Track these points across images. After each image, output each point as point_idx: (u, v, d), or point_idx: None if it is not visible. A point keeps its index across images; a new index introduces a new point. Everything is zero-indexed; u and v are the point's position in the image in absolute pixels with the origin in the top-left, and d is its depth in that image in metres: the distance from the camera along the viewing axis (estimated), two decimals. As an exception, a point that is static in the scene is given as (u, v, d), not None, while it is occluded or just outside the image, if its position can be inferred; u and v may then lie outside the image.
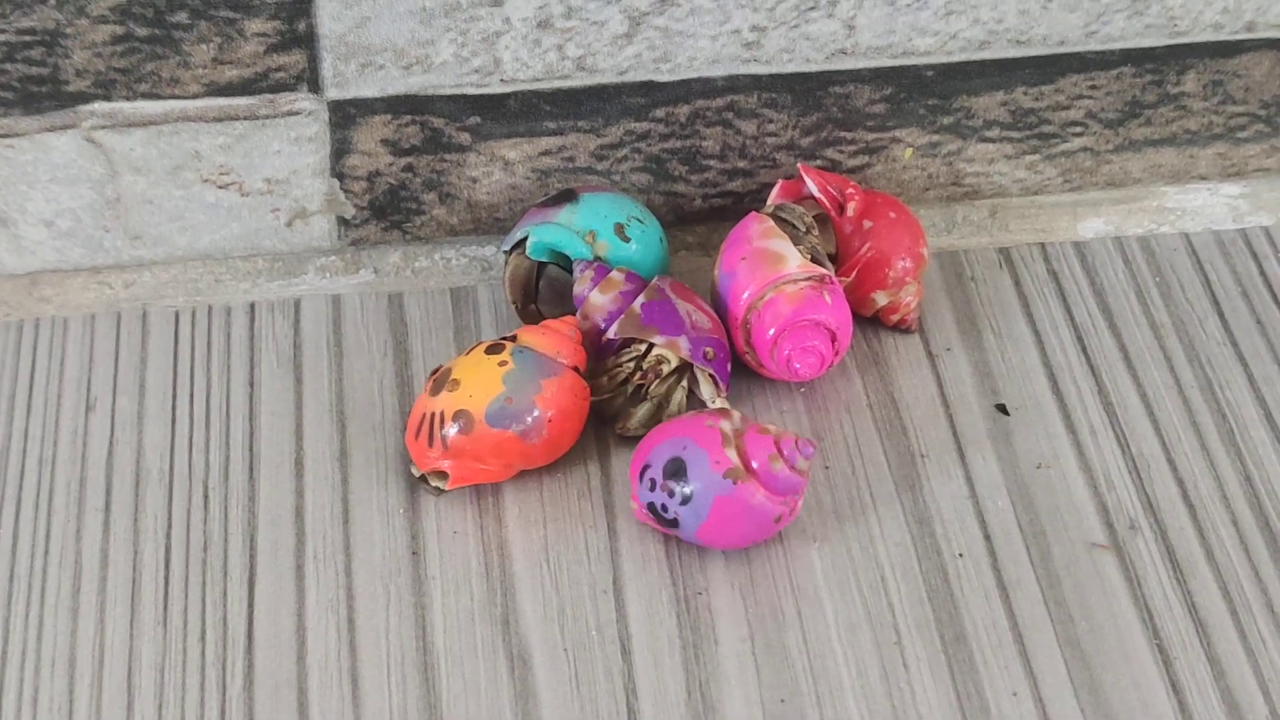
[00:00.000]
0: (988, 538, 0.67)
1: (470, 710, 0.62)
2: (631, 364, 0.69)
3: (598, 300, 0.70)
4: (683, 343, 0.69)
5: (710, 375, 0.70)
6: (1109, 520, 0.68)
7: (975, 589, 0.66)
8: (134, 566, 0.66)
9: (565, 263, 0.73)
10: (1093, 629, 0.64)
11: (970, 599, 0.65)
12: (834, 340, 0.69)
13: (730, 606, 0.65)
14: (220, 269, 0.76)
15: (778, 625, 0.65)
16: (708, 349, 0.69)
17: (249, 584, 0.66)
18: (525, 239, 0.73)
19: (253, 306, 0.75)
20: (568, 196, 0.73)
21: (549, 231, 0.72)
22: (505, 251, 0.73)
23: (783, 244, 0.70)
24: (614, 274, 0.70)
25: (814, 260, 0.70)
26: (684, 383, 0.70)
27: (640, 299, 0.70)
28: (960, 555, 0.67)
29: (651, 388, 0.69)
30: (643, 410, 0.69)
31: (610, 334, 0.69)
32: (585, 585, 0.66)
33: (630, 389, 0.70)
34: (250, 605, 0.65)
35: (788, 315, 0.69)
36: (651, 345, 0.69)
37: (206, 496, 0.68)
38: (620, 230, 0.72)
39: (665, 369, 0.69)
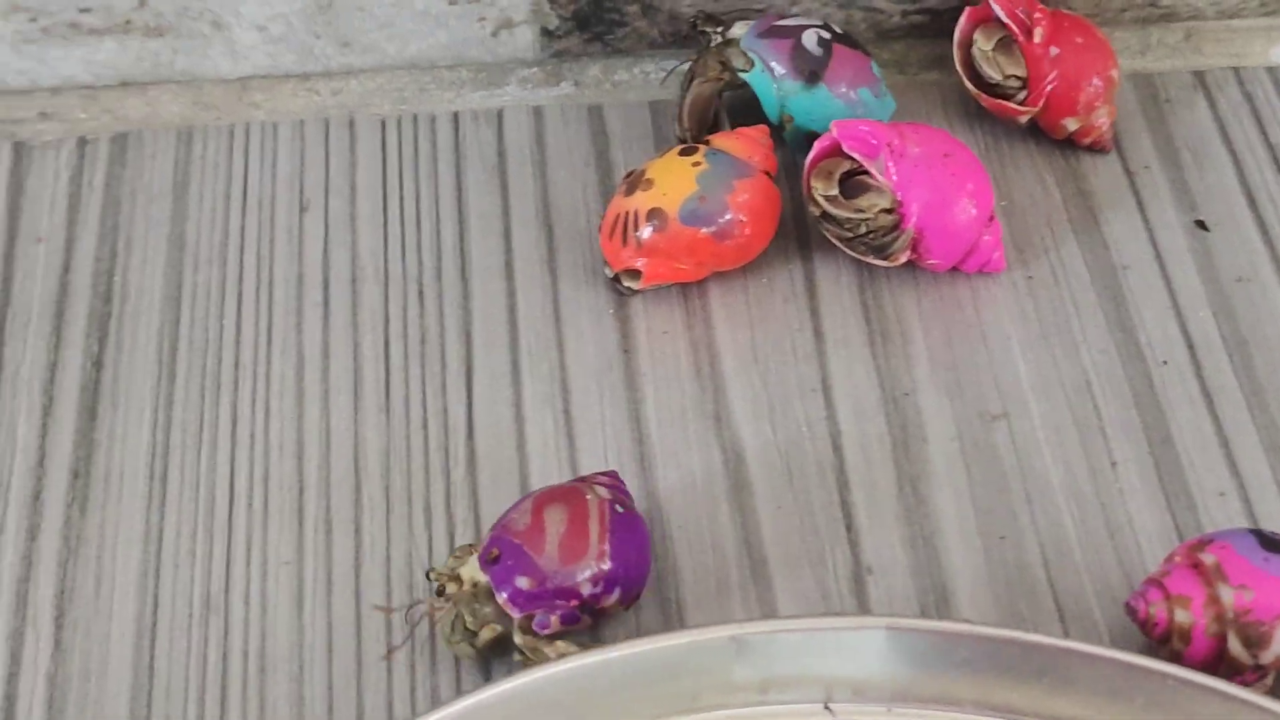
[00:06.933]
0: (1190, 347, 0.68)
1: (688, 498, 0.64)
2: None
3: None
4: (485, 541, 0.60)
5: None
6: (1311, 332, 0.69)
7: (1180, 395, 0.67)
8: (354, 358, 0.68)
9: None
10: (1297, 436, 0.65)
11: (1175, 405, 0.66)
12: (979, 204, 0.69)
13: (937, 407, 0.66)
14: (425, 78, 0.77)
15: (984, 426, 0.66)
16: (493, 549, 0.59)
17: (466, 376, 0.67)
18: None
19: (456, 116, 0.76)
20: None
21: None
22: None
23: None
24: None
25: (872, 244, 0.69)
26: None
27: None
28: (1165, 363, 0.68)
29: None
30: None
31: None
32: (794, 384, 0.67)
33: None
34: (469, 396, 0.67)
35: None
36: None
37: (421, 294, 0.70)
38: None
39: (452, 588, 0.60)
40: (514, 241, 0.72)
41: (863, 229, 0.69)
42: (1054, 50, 0.74)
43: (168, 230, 0.72)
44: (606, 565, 0.59)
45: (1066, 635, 0.60)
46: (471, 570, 0.59)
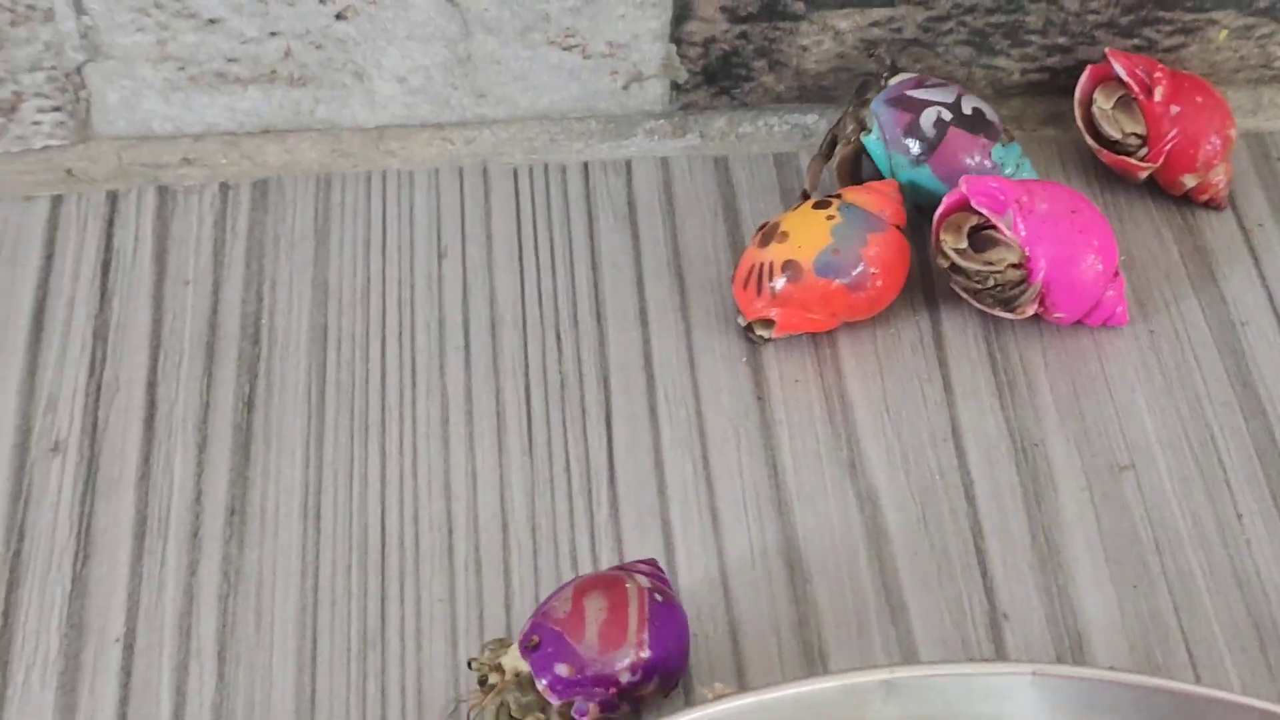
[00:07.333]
0: (1311, 402, 0.70)
1: (825, 543, 0.66)
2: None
3: None
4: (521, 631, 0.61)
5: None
6: None
7: (1302, 449, 0.69)
8: (497, 401, 0.70)
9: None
10: None
11: (1298, 458, 0.68)
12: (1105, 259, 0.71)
13: (1066, 458, 0.68)
14: (555, 129, 0.79)
15: (1113, 477, 0.68)
16: (533, 637, 0.60)
17: (606, 422, 0.69)
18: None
19: (586, 166, 0.79)
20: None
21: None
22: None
23: None
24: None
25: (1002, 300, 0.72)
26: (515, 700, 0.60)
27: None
28: (1286, 417, 0.69)
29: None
30: None
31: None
32: (925, 434, 0.69)
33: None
34: (609, 441, 0.69)
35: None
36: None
37: (559, 340, 0.72)
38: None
39: (494, 678, 0.60)
40: (646, 289, 0.74)
41: (991, 282, 0.71)
42: (1174, 109, 0.76)
43: (311, 274, 0.74)
44: (646, 654, 0.60)
45: (1199, 683, 0.62)
46: (513, 659, 0.60)
